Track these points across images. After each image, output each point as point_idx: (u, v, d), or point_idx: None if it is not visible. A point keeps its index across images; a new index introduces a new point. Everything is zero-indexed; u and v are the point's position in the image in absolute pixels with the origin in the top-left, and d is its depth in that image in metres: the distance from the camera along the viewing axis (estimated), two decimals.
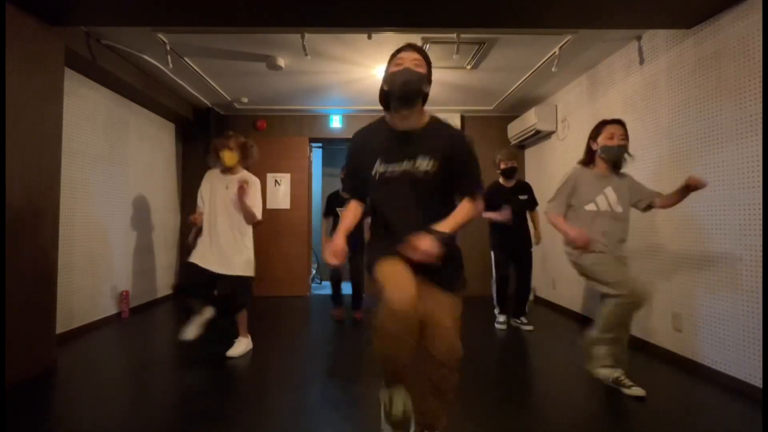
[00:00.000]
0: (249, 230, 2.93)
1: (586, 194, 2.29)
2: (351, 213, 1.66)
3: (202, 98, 4.70)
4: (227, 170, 2.91)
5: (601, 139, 2.27)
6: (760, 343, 2.17)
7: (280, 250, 5.29)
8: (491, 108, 5.12)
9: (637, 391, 2.19)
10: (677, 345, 2.73)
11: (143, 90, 3.90)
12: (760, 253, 2.18)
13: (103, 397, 2.21)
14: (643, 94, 3.09)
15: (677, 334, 2.73)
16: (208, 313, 2.86)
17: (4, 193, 2.26)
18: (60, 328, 3.02)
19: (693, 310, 2.61)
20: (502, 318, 3.73)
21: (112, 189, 3.90)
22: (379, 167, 1.48)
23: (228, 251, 2.80)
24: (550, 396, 2.23)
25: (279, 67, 3.70)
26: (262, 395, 2.25)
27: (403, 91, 1.43)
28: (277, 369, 2.66)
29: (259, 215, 2.90)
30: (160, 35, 3.14)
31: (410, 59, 1.45)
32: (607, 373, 2.26)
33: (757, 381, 2.18)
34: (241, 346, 2.93)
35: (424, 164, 1.45)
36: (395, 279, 1.37)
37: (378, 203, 1.55)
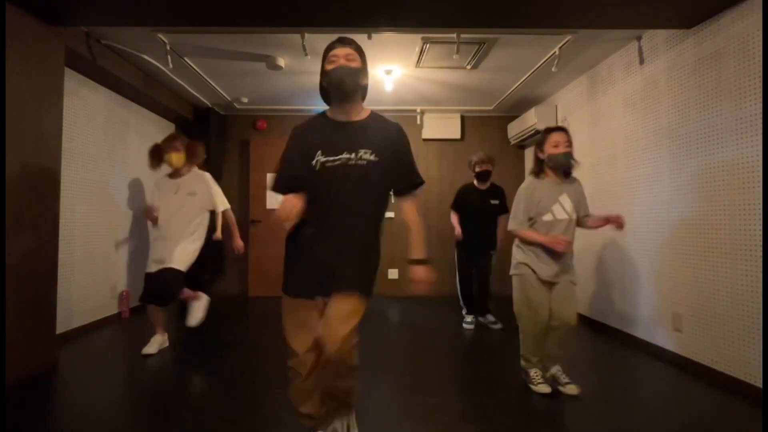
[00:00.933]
0: (201, 230, 2.96)
1: (543, 205, 2.26)
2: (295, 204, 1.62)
3: (202, 98, 4.70)
4: (174, 173, 2.94)
5: (547, 148, 2.25)
6: (760, 343, 2.17)
7: (280, 250, 5.24)
8: (491, 108, 5.12)
9: (572, 389, 2.22)
10: (677, 345, 2.73)
11: (143, 90, 3.90)
12: (760, 253, 2.18)
13: (103, 397, 2.21)
14: (643, 94, 3.09)
15: (677, 334, 2.73)
16: (166, 340, 3.05)
17: (4, 193, 2.26)
18: (60, 328, 3.02)
19: (693, 310, 2.61)
20: (469, 318, 3.74)
21: (112, 189, 3.90)
22: (320, 157, 1.46)
23: (173, 248, 2.84)
24: (549, 395, 2.23)
25: (279, 67, 3.70)
26: (261, 395, 2.25)
27: (340, 88, 1.45)
28: (277, 369, 2.65)
29: (225, 204, 3.03)
30: (160, 35, 3.14)
31: (343, 55, 1.45)
32: (543, 388, 2.25)
33: (757, 381, 2.18)
34: (197, 312, 2.93)
35: (366, 156, 1.45)
36: (297, 337, 1.53)
37: (316, 193, 1.47)
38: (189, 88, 4.35)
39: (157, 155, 2.92)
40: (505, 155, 5.32)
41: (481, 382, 2.45)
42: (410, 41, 3.30)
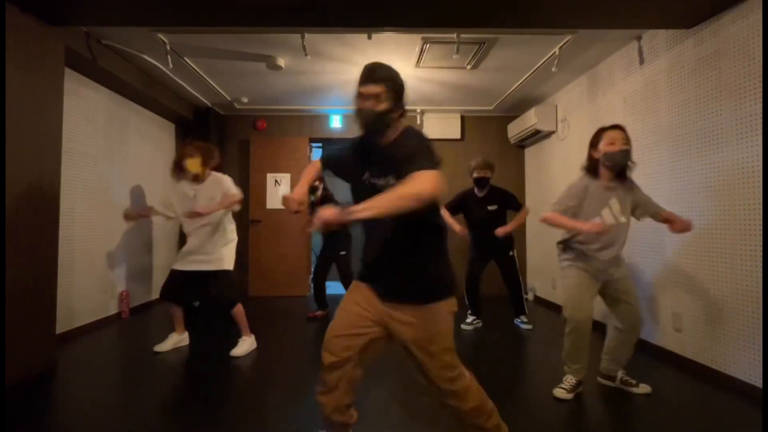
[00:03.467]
0: (228, 226, 2.99)
1: (593, 208, 2.17)
2: (313, 169, 1.64)
3: (202, 98, 4.70)
4: (195, 178, 2.91)
5: (603, 146, 2.13)
6: (760, 343, 2.17)
7: (280, 250, 5.29)
8: (491, 108, 5.12)
9: (645, 388, 2.26)
10: (677, 345, 2.73)
11: (143, 90, 3.90)
12: (760, 253, 2.18)
13: (103, 397, 2.21)
14: (643, 94, 3.09)
15: (677, 334, 2.73)
16: (185, 339, 3.09)
17: (4, 193, 2.26)
18: (60, 328, 3.02)
19: (693, 310, 2.61)
20: (469, 319, 3.71)
21: (112, 189, 3.90)
22: (368, 177, 1.43)
23: (206, 250, 2.89)
24: (550, 395, 2.23)
25: (279, 67, 3.70)
26: (261, 395, 2.25)
27: (367, 128, 1.40)
28: (277, 369, 2.66)
29: (235, 194, 2.89)
30: (160, 35, 3.14)
31: (368, 93, 1.36)
32: (563, 394, 2.20)
33: (757, 381, 2.18)
34: (244, 345, 2.94)
35: (390, 182, 1.34)
36: (337, 320, 1.46)
37: None
38: (189, 88, 4.35)
39: (177, 168, 2.92)
40: (505, 155, 5.32)
41: (481, 383, 2.45)
42: (410, 41, 3.30)
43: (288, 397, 2.22)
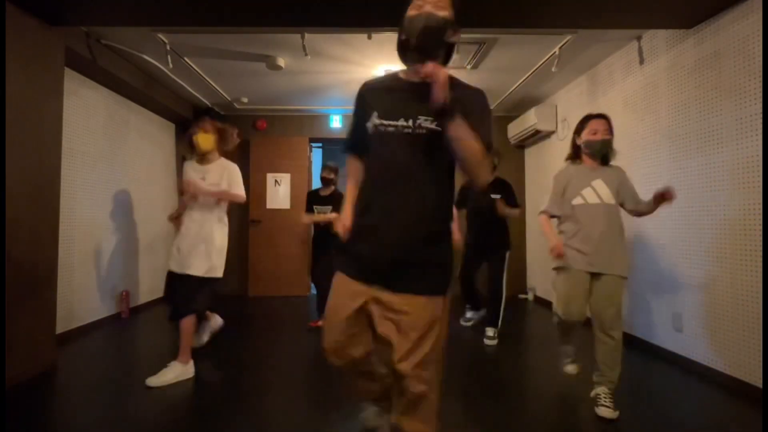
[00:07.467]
0: (223, 228, 2.62)
1: (573, 188, 2.16)
2: (353, 174, 1.45)
3: (202, 98, 4.70)
4: (203, 158, 2.60)
5: (585, 135, 2.14)
6: (760, 343, 2.17)
7: (279, 250, 5.29)
8: (491, 108, 5.10)
9: (605, 411, 1.99)
10: (677, 345, 2.73)
11: (143, 90, 3.90)
12: (760, 253, 2.18)
13: (103, 398, 2.21)
14: (643, 94, 3.09)
15: (677, 334, 2.73)
16: (218, 321, 2.95)
17: (5, 193, 2.26)
18: (60, 328, 3.02)
19: (693, 310, 2.61)
20: (469, 314, 3.73)
21: (112, 189, 3.90)
22: (374, 120, 1.28)
23: (191, 250, 2.48)
24: (548, 396, 2.23)
25: (279, 67, 3.70)
26: (261, 395, 2.25)
27: (422, 38, 1.17)
28: (277, 369, 2.65)
29: (241, 193, 2.61)
30: (160, 35, 3.14)
31: (432, 1, 1.20)
32: (570, 369, 2.33)
33: (757, 381, 2.18)
34: (172, 372, 2.38)
35: (426, 123, 1.23)
36: (333, 320, 1.34)
37: (368, 164, 1.36)
38: (189, 88, 4.35)
39: (188, 140, 2.61)
40: (505, 155, 5.31)
41: (482, 384, 2.45)
42: None
43: (286, 397, 2.22)
